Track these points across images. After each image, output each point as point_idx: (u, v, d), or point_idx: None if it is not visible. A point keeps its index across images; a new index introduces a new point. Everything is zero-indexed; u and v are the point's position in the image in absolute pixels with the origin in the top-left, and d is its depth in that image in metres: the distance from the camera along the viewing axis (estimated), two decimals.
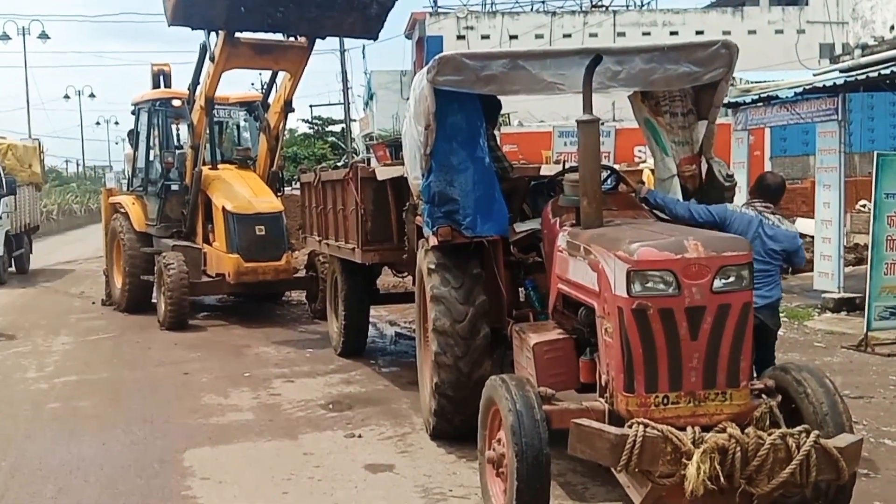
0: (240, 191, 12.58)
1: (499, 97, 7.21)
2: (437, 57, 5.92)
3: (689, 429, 4.21)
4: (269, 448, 6.66)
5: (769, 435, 4.16)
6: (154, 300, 12.80)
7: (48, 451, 6.74)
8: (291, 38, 12.15)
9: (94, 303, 14.76)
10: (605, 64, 5.65)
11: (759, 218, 5.87)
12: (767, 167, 25.72)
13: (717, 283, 4.40)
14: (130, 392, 8.60)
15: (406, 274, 10.03)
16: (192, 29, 11.93)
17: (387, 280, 11.90)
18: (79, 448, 6.77)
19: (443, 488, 5.68)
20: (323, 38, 12.40)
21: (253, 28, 11.68)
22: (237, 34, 11.67)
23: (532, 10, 45.30)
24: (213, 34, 11.84)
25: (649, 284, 4.40)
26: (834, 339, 9.86)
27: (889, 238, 9.32)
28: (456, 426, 6.34)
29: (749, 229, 5.75)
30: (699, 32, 39.96)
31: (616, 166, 9.32)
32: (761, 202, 6.03)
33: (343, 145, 44.36)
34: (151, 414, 7.70)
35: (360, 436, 6.86)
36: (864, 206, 16.38)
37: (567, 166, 7.33)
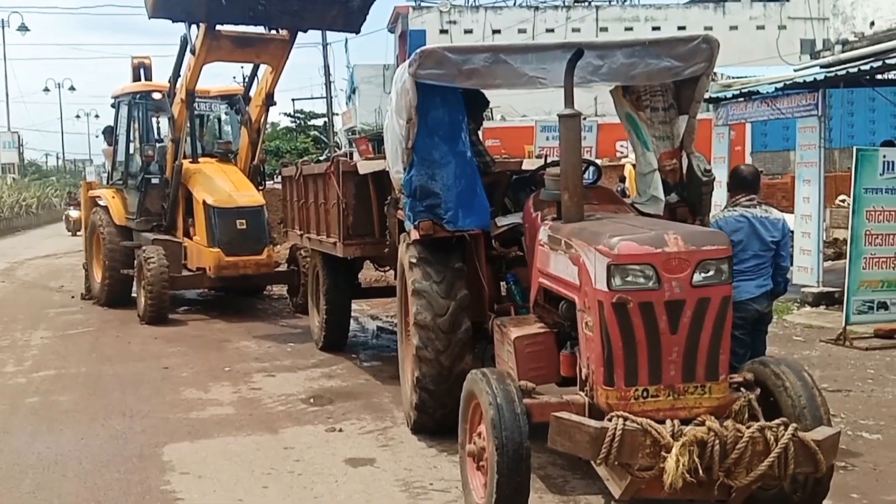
0: (221, 184, 12.52)
1: (485, 94, 7.22)
2: (418, 50, 5.91)
3: (668, 422, 4.22)
4: (249, 442, 6.63)
5: (748, 428, 4.19)
6: (134, 294, 12.72)
7: (26, 445, 6.68)
8: (273, 31, 12.06)
9: (73, 297, 14.66)
10: (586, 58, 5.65)
11: (748, 217, 6.06)
12: (748, 163, 25.89)
13: (697, 277, 4.41)
14: (110, 386, 8.55)
15: (388, 268, 10.02)
16: (173, 21, 11.81)
17: (369, 274, 11.88)
18: (57, 443, 6.73)
19: (423, 482, 5.68)
20: (305, 32, 12.33)
21: (234, 21, 11.59)
22: (218, 27, 11.57)
23: (515, 4, 45.35)
24: (193, 27, 11.74)
25: (629, 278, 4.41)
26: (813, 333, 9.93)
27: (868, 233, 9.40)
28: (437, 420, 6.34)
29: (741, 231, 6.00)
30: (681, 28, 40.12)
31: (598, 161, 9.34)
32: (745, 196, 6.20)
33: (325, 139, 44.23)
34: (131, 408, 7.65)
35: (340, 430, 6.84)
36: (843, 200, 16.49)
37: (549, 161, 7.36)
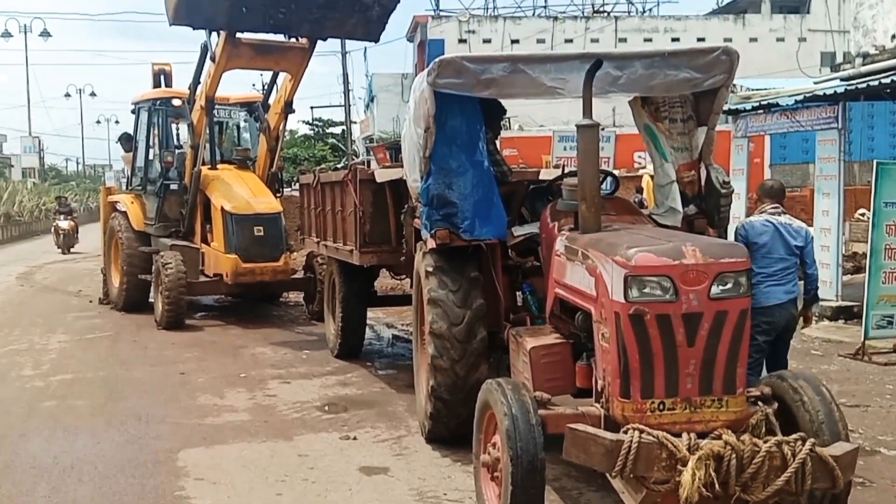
0: (239, 191, 12.57)
1: (501, 102, 7.21)
2: (437, 59, 5.91)
3: (684, 435, 4.19)
4: (263, 449, 6.64)
5: (765, 442, 4.15)
6: (151, 299, 12.79)
7: (42, 449, 6.71)
8: (293, 39, 12.13)
9: (91, 301, 14.76)
10: (605, 69, 5.63)
11: (773, 222, 6.37)
12: (767, 175, 25.75)
13: (715, 290, 4.37)
14: (126, 391, 8.59)
15: (404, 276, 10.01)
16: (194, 28, 11.92)
17: (385, 282, 11.89)
18: (73, 447, 6.76)
19: (437, 492, 5.66)
20: (324, 40, 12.39)
21: (254, 28, 11.67)
22: (238, 34, 11.66)
23: (534, 14, 45.36)
24: (214, 34, 11.84)
25: (647, 290, 4.38)
26: (831, 348, 9.85)
27: (887, 247, 9.33)
28: (451, 430, 6.33)
29: (766, 234, 6.33)
30: (700, 39, 39.97)
31: (616, 172, 9.31)
32: (770, 205, 6.48)
33: (343, 147, 44.38)
34: (147, 413, 7.68)
35: (355, 438, 6.84)
36: (862, 214, 16.38)
37: (566, 171, 7.34)
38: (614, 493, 4.71)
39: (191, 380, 9.00)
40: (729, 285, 4.41)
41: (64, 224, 26.25)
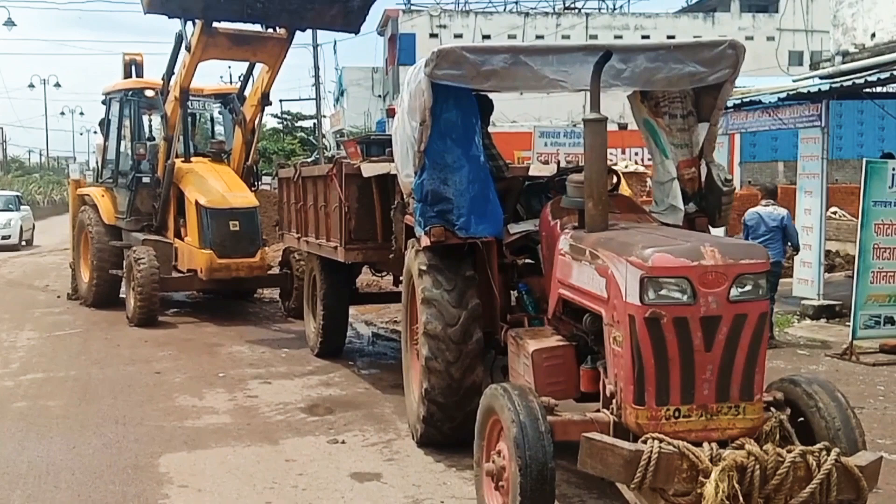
0: (213, 185, 12.26)
1: (490, 96, 7.01)
2: (436, 50, 5.68)
3: (705, 445, 4.00)
4: (248, 454, 6.37)
5: (788, 452, 3.98)
6: (122, 295, 12.43)
7: (15, 454, 6.40)
8: (270, 30, 11.83)
9: (59, 297, 14.37)
10: (609, 62, 5.44)
11: (759, 213, 9.86)
12: (736, 172, 25.90)
13: (734, 292, 4.20)
14: (100, 391, 8.26)
15: (384, 273, 9.80)
16: (169, 17, 11.54)
17: (362, 278, 11.63)
18: (48, 451, 6.44)
19: (434, 499, 5.45)
20: (303, 31, 12.14)
21: (232, 18, 11.35)
22: (215, 24, 11.34)
23: (505, 10, 45.28)
24: (189, 23, 11.51)
25: (663, 292, 4.19)
26: (817, 347, 9.78)
27: (876, 246, 9.26)
28: (445, 434, 6.12)
29: (754, 220, 9.84)
30: (670, 37, 40.06)
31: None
32: (764, 199, 10.07)
33: (314, 141, 43.93)
34: (123, 415, 7.38)
35: (343, 442, 6.60)
36: (835, 212, 16.43)
37: (561, 167, 7.17)
38: (616, 500, 4.55)
39: (167, 379, 8.70)
40: (748, 287, 4.23)
41: None
